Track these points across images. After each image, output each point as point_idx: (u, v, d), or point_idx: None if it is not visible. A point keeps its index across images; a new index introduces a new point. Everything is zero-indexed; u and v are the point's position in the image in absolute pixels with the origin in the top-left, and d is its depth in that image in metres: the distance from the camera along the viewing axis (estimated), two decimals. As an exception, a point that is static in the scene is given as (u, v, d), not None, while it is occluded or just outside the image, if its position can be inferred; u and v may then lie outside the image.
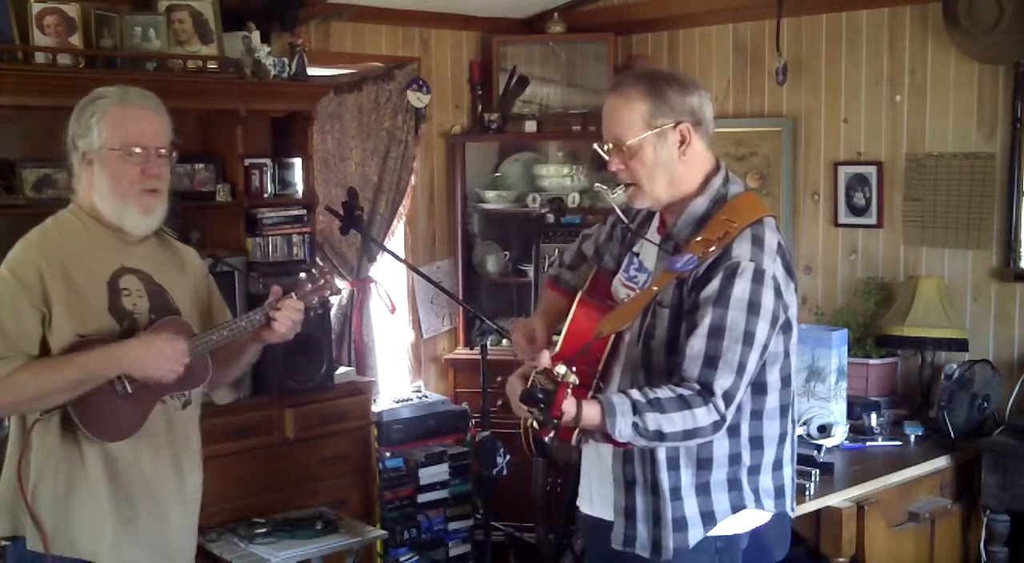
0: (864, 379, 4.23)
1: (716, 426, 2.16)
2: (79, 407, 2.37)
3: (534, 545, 4.59)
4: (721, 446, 2.26)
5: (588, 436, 2.29)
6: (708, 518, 2.28)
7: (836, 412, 3.85)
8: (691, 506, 2.26)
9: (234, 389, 2.79)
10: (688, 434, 2.14)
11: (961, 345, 4.13)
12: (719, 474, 2.27)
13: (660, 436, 2.11)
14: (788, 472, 2.39)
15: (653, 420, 2.09)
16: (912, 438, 3.92)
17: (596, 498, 2.42)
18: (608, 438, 2.14)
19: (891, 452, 3.82)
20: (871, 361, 4.26)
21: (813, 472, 3.43)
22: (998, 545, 3.82)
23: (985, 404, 3.95)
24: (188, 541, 2.63)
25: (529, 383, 2.04)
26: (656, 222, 2.43)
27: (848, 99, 4.57)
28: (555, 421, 2.02)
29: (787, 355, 2.31)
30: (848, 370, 3.97)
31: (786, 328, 2.28)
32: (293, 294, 2.56)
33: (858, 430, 3.92)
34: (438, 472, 4.55)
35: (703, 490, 2.27)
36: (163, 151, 2.47)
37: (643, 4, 5.03)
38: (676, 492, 2.25)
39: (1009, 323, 4.18)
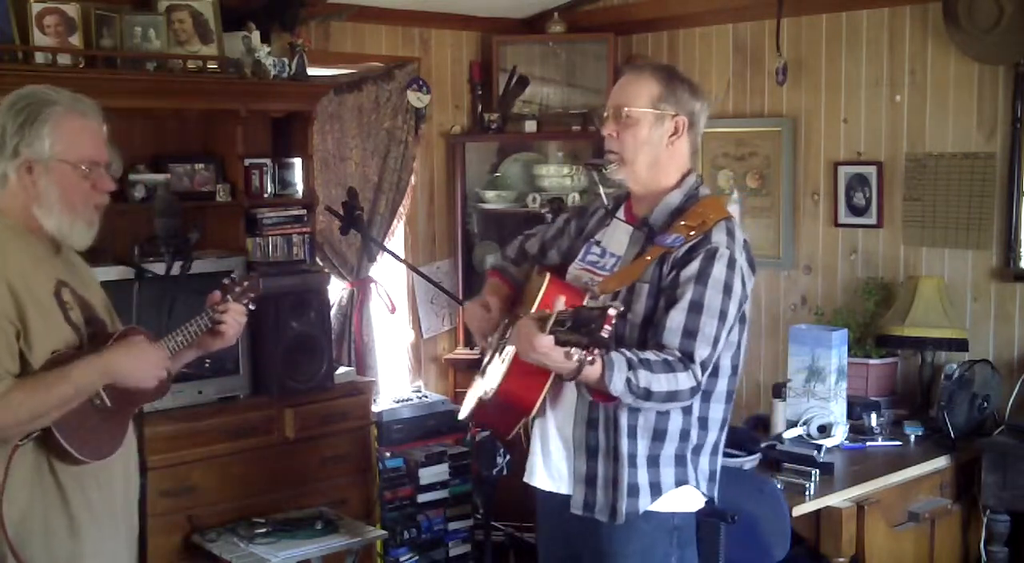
0: (864, 379, 4.23)
1: (693, 391, 2.32)
2: (62, 428, 2.23)
3: (534, 545, 4.57)
4: (675, 421, 2.42)
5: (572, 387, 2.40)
6: (655, 489, 2.43)
7: (836, 412, 3.86)
8: (643, 475, 2.42)
9: None
10: (671, 395, 2.29)
11: (961, 345, 4.13)
12: (669, 448, 2.43)
13: (648, 394, 2.25)
14: (720, 461, 2.56)
15: (644, 378, 2.24)
16: (912, 438, 3.92)
17: (555, 472, 2.53)
18: (597, 393, 2.28)
19: (891, 452, 3.81)
20: (871, 361, 4.25)
21: (813, 472, 3.43)
22: (998, 545, 3.82)
23: (985, 404, 3.95)
24: (133, 555, 2.55)
25: (556, 314, 2.11)
26: (622, 214, 2.59)
27: (848, 99, 4.57)
28: (606, 339, 2.10)
29: (739, 345, 2.49)
30: (848, 370, 3.97)
31: (742, 319, 2.47)
32: (229, 297, 2.51)
33: (858, 430, 3.92)
34: (438, 472, 4.55)
35: (653, 462, 2.43)
36: (107, 164, 2.40)
37: (643, 4, 5.03)
38: (632, 459, 2.41)
39: (1009, 323, 4.18)
